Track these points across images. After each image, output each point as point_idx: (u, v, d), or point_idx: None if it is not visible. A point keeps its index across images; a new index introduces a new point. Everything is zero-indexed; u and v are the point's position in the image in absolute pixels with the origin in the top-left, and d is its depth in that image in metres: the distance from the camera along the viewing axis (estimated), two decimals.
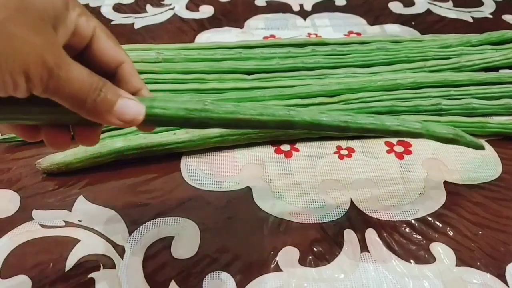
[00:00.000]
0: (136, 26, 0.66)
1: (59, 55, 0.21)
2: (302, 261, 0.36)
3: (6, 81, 0.20)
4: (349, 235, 0.38)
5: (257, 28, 0.66)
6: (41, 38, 0.20)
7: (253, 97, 0.48)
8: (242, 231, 0.38)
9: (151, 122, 0.26)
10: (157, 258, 0.36)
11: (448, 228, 0.38)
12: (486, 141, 0.47)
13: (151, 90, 0.47)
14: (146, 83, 0.48)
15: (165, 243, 0.37)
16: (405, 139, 0.47)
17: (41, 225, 0.38)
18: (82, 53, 0.26)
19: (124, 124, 0.25)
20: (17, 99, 0.22)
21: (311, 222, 0.39)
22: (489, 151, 0.46)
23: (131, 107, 0.25)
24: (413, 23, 0.68)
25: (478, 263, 0.36)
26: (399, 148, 0.46)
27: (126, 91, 0.25)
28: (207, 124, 0.28)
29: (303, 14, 0.70)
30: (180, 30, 0.65)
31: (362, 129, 0.31)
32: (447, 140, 0.35)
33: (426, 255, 0.36)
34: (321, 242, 0.37)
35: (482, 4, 0.73)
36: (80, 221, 0.38)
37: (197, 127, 0.28)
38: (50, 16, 0.22)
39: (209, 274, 0.35)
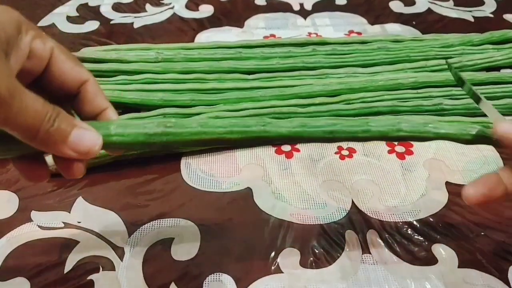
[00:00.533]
0: (135, 26, 0.65)
1: (11, 83, 0.20)
2: (303, 263, 0.36)
3: None
4: (351, 236, 0.38)
5: (257, 28, 0.66)
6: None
7: (253, 97, 0.48)
8: (243, 233, 0.38)
9: (110, 149, 0.25)
10: (157, 260, 0.36)
11: (450, 229, 0.38)
12: None
13: (151, 90, 0.48)
14: (146, 83, 0.49)
15: (165, 244, 0.37)
16: None
17: (40, 227, 0.38)
18: (41, 76, 0.25)
19: (79, 155, 0.23)
20: None
21: (312, 223, 0.39)
22: (492, 152, 0.46)
23: (86, 137, 0.23)
24: (414, 22, 0.68)
25: (480, 265, 0.36)
26: (400, 149, 0.46)
27: (82, 121, 0.24)
28: (171, 146, 0.26)
29: (304, 13, 0.70)
30: (179, 30, 0.65)
31: (352, 138, 0.28)
32: (466, 141, 0.29)
33: (428, 256, 0.36)
34: (322, 244, 0.37)
35: (483, 3, 0.73)
36: (79, 222, 0.38)
37: (162, 149, 0.26)
38: (1, 41, 0.20)
39: (210, 276, 0.35)
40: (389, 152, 0.46)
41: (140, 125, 0.25)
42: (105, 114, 0.27)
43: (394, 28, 0.66)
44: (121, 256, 0.36)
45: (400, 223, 0.39)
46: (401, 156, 0.45)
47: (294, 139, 0.27)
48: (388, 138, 0.28)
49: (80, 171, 0.25)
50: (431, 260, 0.36)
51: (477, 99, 0.30)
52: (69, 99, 0.27)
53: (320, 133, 0.27)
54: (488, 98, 0.49)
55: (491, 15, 0.70)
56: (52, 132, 0.22)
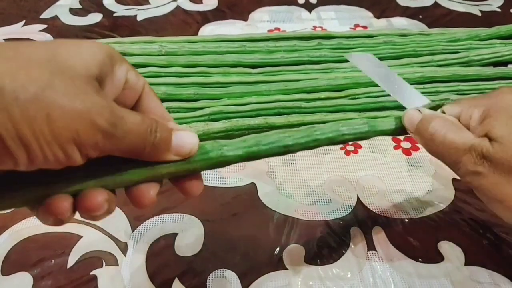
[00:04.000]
0: (139, 18, 0.65)
1: (111, 112, 0.19)
2: (308, 259, 0.35)
3: (56, 155, 0.18)
4: (356, 233, 0.37)
5: (261, 21, 0.65)
6: (87, 101, 0.19)
7: (257, 92, 0.47)
8: (247, 228, 0.38)
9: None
10: (161, 255, 0.35)
11: (456, 226, 0.38)
12: None
13: (154, 84, 0.47)
14: (149, 76, 0.48)
15: (169, 240, 0.36)
16: None
17: None
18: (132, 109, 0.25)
19: (182, 158, 0.23)
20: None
21: (317, 219, 0.38)
22: None
23: (186, 138, 0.23)
24: (420, 16, 0.67)
25: (487, 262, 0.35)
26: (406, 144, 0.45)
27: (174, 123, 0.24)
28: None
29: (308, 6, 0.69)
30: (183, 23, 0.64)
31: (305, 149, 0.28)
32: (398, 134, 0.31)
33: (434, 254, 0.36)
34: (327, 240, 0.37)
35: None
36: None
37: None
38: (93, 73, 0.20)
39: (214, 271, 0.34)
40: (395, 147, 0.45)
41: (238, 142, 0.26)
42: None
43: (400, 22, 0.66)
44: (124, 251, 0.36)
45: (406, 220, 0.38)
46: (407, 152, 0.45)
47: (251, 158, 0.27)
48: (334, 143, 0.29)
49: (200, 188, 0.25)
50: (437, 257, 0.35)
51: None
52: None
53: (276, 148, 0.27)
54: None
55: (498, 10, 0.69)
56: (156, 143, 0.22)
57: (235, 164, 0.42)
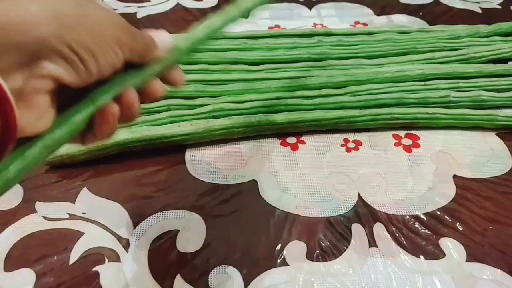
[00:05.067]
0: (139, 16, 0.65)
1: (125, 21, 0.24)
2: (309, 256, 0.35)
3: (112, 57, 0.22)
4: (357, 230, 0.37)
5: (262, 18, 0.65)
6: (113, 13, 0.23)
7: (258, 89, 0.47)
8: (248, 225, 0.38)
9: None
10: (162, 252, 0.35)
11: (457, 222, 0.38)
12: (496, 134, 0.46)
13: None
14: None
15: (170, 236, 0.36)
16: (413, 132, 0.46)
17: (45, 218, 0.37)
18: None
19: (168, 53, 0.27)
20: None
21: (318, 216, 0.38)
22: (499, 145, 0.45)
23: (161, 34, 0.27)
24: (420, 13, 0.67)
25: (489, 259, 0.35)
26: (407, 141, 0.45)
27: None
28: None
29: (309, 4, 0.69)
30: (183, 20, 0.64)
31: None
32: None
33: (436, 250, 0.36)
34: (328, 237, 0.37)
35: None
36: (84, 213, 0.38)
37: None
38: None
39: (215, 268, 0.34)
40: (396, 144, 0.45)
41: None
42: None
43: (400, 19, 0.66)
44: (126, 247, 0.36)
45: (407, 217, 0.38)
46: (407, 149, 0.45)
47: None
48: None
49: (182, 77, 0.29)
50: (438, 254, 0.36)
51: None
52: None
53: None
54: (496, 91, 0.49)
55: (499, 7, 0.69)
56: (147, 43, 0.25)
57: (236, 161, 0.43)
